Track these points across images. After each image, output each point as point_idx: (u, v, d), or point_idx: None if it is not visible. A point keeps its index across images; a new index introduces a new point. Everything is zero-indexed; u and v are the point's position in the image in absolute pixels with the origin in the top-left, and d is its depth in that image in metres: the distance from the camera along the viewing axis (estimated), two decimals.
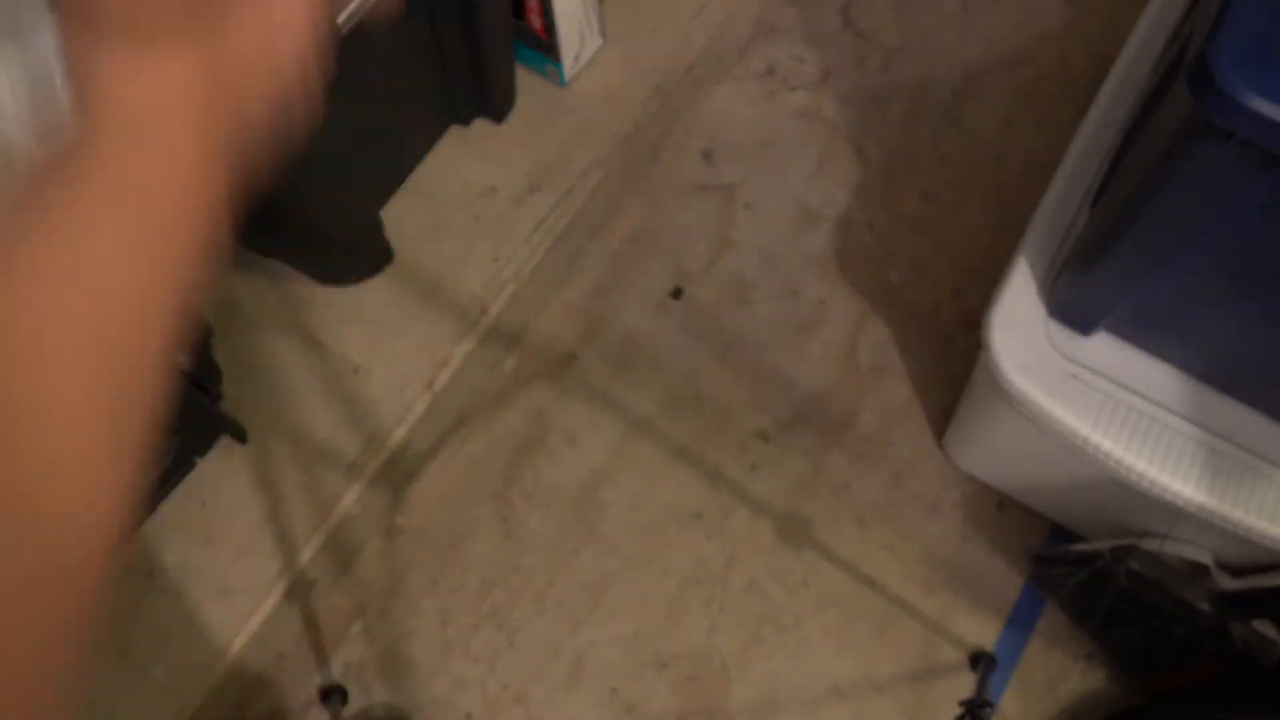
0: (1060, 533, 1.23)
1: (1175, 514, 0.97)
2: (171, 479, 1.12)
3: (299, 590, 1.16)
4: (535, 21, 1.26)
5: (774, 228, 1.42)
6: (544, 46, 1.30)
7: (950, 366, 1.32)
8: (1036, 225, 1.02)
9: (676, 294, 1.37)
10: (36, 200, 0.26)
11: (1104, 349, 0.97)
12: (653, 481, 1.28)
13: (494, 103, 1.30)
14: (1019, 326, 0.98)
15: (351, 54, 1.00)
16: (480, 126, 1.34)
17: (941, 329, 1.35)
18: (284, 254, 1.23)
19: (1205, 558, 1.03)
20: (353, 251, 1.22)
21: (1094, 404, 0.95)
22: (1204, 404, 0.95)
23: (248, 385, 1.20)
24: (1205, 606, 1.00)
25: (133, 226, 0.26)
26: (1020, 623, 1.21)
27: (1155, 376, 0.96)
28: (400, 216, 1.29)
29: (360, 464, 1.18)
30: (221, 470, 1.16)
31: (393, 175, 1.29)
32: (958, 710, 1.07)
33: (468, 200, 1.30)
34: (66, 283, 0.25)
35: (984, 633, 1.21)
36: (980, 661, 1.16)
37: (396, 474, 1.24)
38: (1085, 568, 1.08)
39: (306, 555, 1.14)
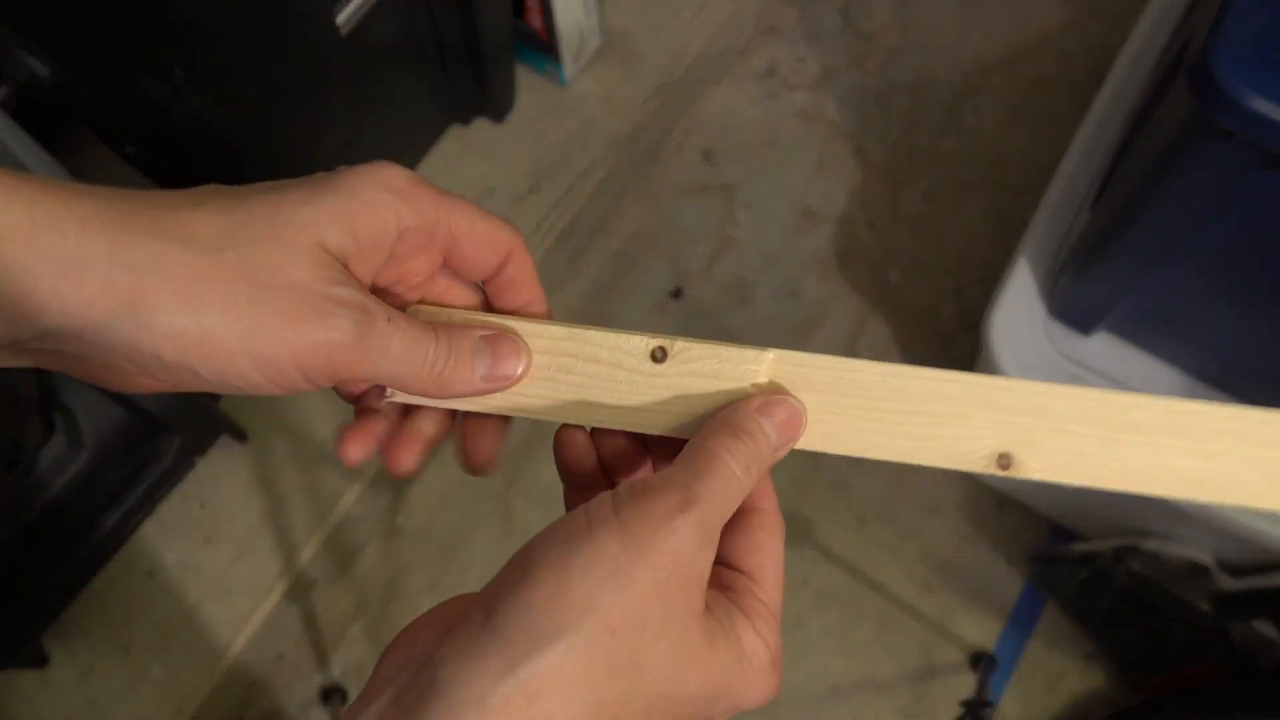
0: (1060, 533, 1.23)
1: (1175, 514, 0.97)
2: (171, 479, 1.12)
3: (299, 590, 1.16)
4: (535, 21, 1.26)
5: (774, 228, 1.42)
6: (544, 46, 1.30)
7: (950, 366, 1.32)
8: (1036, 225, 1.02)
9: (676, 294, 1.37)
10: None
11: (1104, 349, 0.97)
12: None
13: (494, 102, 1.30)
14: (1019, 326, 0.98)
15: (351, 54, 1.01)
16: (480, 126, 1.34)
17: (941, 329, 1.35)
18: None
19: (1205, 558, 1.03)
20: None
21: None
22: None
23: None
24: (1205, 606, 1.00)
25: None
26: (1020, 623, 1.21)
27: (1155, 376, 0.96)
28: None
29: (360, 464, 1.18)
30: (221, 470, 1.16)
31: None
32: (958, 710, 1.07)
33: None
34: None
35: (984, 633, 1.21)
36: (980, 662, 1.16)
37: None
38: (1085, 568, 1.08)
39: (306, 555, 1.14)
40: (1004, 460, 0.31)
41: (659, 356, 0.33)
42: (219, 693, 1.10)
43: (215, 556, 1.13)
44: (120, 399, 0.98)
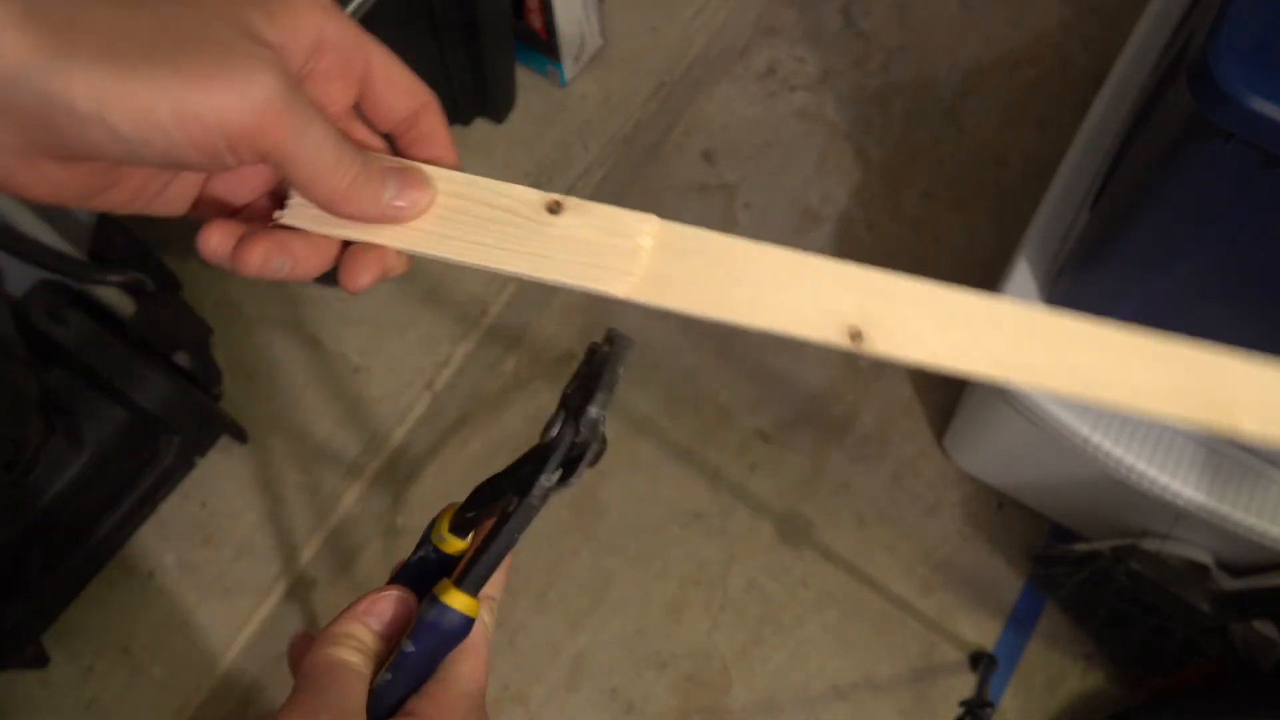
0: (1060, 533, 1.23)
1: (1175, 514, 0.97)
2: (171, 479, 1.12)
3: (299, 590, 1.16)
4: (535, 21, 1.26)
5: (774, 228, 1.42)
6: (544, 46, 1.30)
7: None
8: (1036, 225, 1.02)
9: None
10: None
11: None
12: (653, 481, 1.28)
13: (494, 103, 1.30)
14: None
15: None
16: (480, 126, 1.34)
17: None
18: None
19: (1205, 558, 1.03)
20: None
21: None
22: None
23: (248, 385, 1.20)
24: (1205, 606, 1.00)
25: None
26: (1020, 623, 1.21)
27: None
28: None
29: (360, 464, 1.18)
30: (221, 470, 1.16)
31: None
32: (958, 710, 1.07)
33: None
34: None
35: (984, 633, 1.21)
36: (980, 661, 1.17)
37: (396, 474, 1.24)
38: (1085, 568, 1.08)
39: (306, 555, 1.14)
40: (855, 335, 0.33)
41: (554, 209, 0.33)
42: (219, 693, 1.10)
43: (215, 556, 1.13)
44: (120, 399, 0.98)
